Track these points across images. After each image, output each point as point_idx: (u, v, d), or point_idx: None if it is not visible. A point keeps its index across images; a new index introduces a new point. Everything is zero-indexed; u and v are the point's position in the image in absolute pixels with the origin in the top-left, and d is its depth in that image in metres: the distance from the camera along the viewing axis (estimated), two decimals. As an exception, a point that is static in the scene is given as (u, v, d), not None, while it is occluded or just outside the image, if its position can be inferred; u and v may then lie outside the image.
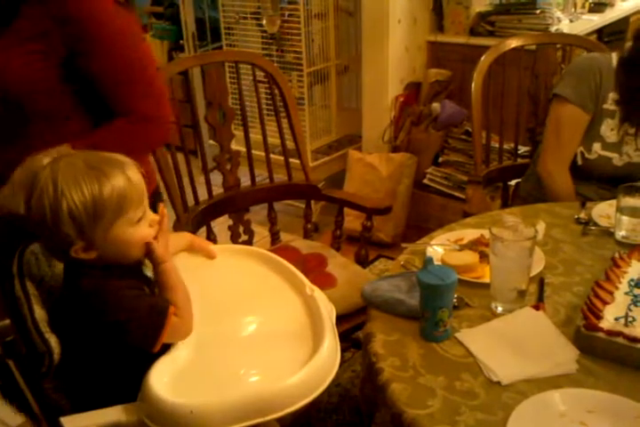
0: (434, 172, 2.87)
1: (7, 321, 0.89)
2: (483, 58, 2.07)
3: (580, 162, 1.84)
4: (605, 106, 1.80)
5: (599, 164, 1.83)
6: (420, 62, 3.07)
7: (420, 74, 3.03)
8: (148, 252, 1.11)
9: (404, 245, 1.51)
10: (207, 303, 1.17)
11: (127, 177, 1.05)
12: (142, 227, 1.09)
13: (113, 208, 1.03)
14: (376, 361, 1.16)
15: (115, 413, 1.04)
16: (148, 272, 1.17)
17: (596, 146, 1.82)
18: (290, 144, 2.02)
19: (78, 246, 1.03)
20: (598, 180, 1.86)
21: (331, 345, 1.09)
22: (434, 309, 1.16)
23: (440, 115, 2.81)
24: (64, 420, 1.02)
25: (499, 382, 1.08)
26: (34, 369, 1.03)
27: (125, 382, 1.06)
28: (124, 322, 1.04)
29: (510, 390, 1.07)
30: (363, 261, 1.95)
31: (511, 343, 1.16)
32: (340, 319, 1.62)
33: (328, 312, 1.19)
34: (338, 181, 3.04)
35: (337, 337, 1.15)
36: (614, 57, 1.79)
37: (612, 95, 1.78)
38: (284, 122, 1.99)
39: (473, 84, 2.03)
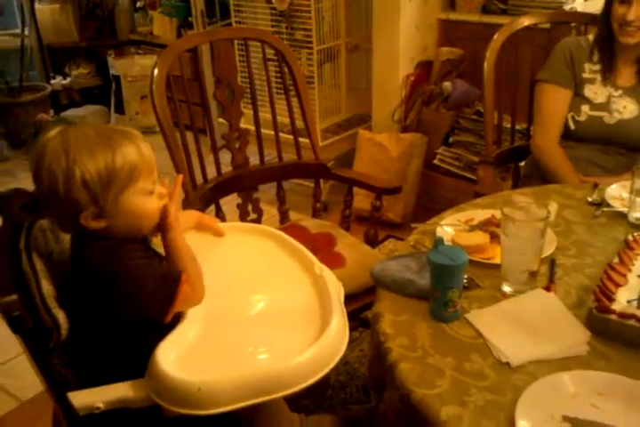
0: (444, 152, 2.84)
1: (14, 296, 0.88)
2: (495, 36, 2.04)
3: (572, 126, 1.97)
4: (584, 75, 1.97)
5: (591, 124, 1.94)
6: (430, 41, 3.02)
7: (431, 52, 2.98)
8: (162, 216, 1.12)
9: (413, 225, 1.50)
10: (215, 281, 1.16)
11: (138, 148, 1.07)
12: (152, 199, 1.11)
13: (124, 176, 1.05)
14: (384, 341, 1.15)
15: (122, 389, 1.04)
16: (157, 249, 1.17)
17: (585, 108, 1.95)
18: (299, 123, 2.00)
19: (89, 213, 1.04)
20: (596, 142, 1.96)
21: (339, 324, 1.09)
22: (444, 289, 1.15)
23: (451, 94, 2.78)
24: (72, 395, 1.03)
25: (508, 364, 1.08)
26: (42, 344, 1.03)
27: (133, 359, 1.06)
28: (136, 292, 1.04)
29: (520, 372, 1.06)
30: (372, 241, 1.94)
31: (521, 325, 1.16)
32: (349, 299, 1.61)
33: (336, 291, 1.18)
34: (347, 160, 3.02)
35: (345, 316, 1.14)
36: (589, 37, 2.00)
37: (588, 65, 1.97)
38: (294, 100, 1.96)
39: (485, 63, 2.00)
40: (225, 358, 1.05)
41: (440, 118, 2.81)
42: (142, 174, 1.07)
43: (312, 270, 1.22)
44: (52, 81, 4.51)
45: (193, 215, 1.31)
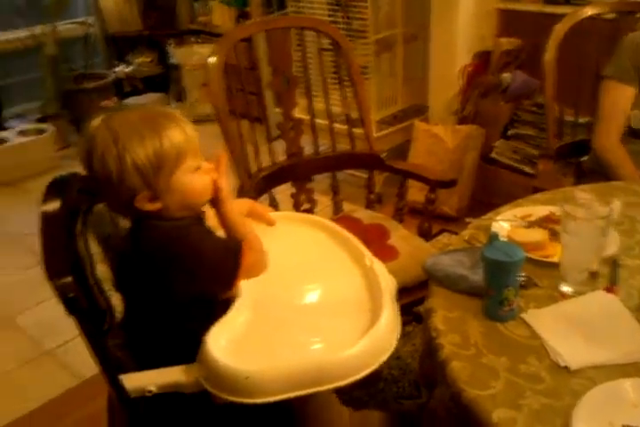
0: (502, 145, 2.77)
1: (69, 278, 0.89)
2: (557, 26, 1.97)
3: (636, 125, 1.91)
4: None
5: None
6: (489, 31, 2.94)
7: (490, 43, 2.90)
8: (214, 190, 1.15)
9: (468, 219, 1.46)
10: (267, 269, 1.16)
11: (183, 130, 1.09)
12: (200, 175, 1.13)
13: (173, 158, 1.08)
14: (436, 337, 1.12)
15: (174, 373, 1.05)
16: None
17: None
18: (354, 114, 1.97)
19: (143, 196, 1.07)
20: None
21: (390, 317, 1.07)
22: (499, 287, 1.11)
23: (510, 85, 2.70)
24: (124, 377, 1.04)
25: (566, 368, 1.03)
26: (96, 326, 1.04)
27: (187, 342, 1.06)
28: (201, 265, 1.08)
29: (579, 377, 1.02)
30: (425, 235, 1.91)
31: (581, 327, 1.11)
32: (402, 293, 1.58)
33: (387, 284, 1.16)
34: (402, 152, 2.97)
35: (397, 310, 1.12)
36: None
37: None
38: (349, 91, 1.94)
39: (546, 54, 1.93)
40: (275, 347, 1.05)
41: (498, 110, 2.74)
42: (189, 154, 1.10)
43: (362, 262, 1.20)
44: (116, 69, 4.60)
45: (245, 204, 1.31)
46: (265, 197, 1.90)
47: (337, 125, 2.01)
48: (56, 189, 1.05)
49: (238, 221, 1.17)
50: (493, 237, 1.13)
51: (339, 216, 2.00)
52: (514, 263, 1.09)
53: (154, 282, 1.09)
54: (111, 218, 1.17)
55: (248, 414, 1.08)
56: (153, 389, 1.03)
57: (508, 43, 2.77)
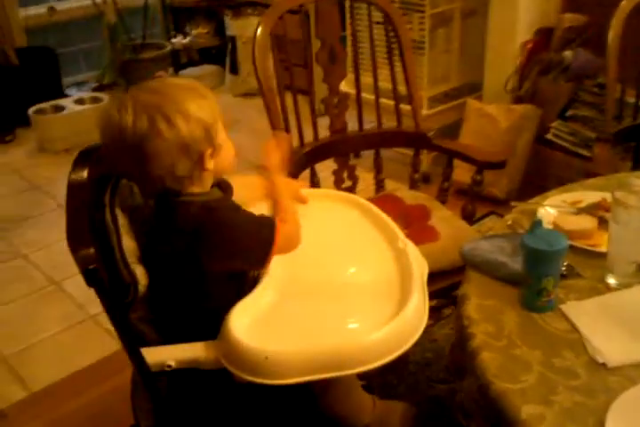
0: (559, 126, 2.65)
1: (90, 250, 0.88)
2: (623, 3, 1.86)
3: None
4: None
5: None
6: (553, 6, 2.79)
7: (553, 19, 2.76)
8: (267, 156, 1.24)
9: (513, 203, 1.40)
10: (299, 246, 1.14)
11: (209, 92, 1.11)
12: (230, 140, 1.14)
13: (217, 112, 1.08)
14: (468, 325, 1.08)
15: (195, 349, 1.04)
16: None
17: None
18: (403, 90, 1.91)
19: (209, 153, 1.07)
20: None
21: (418, 303, 1.03)
22: (538, 276, 1.06)
23: (572, 64, 2.57)
24: (145, 351, 1.03)
25: (604, 364, 0.98)
26: (118, 299, 1.03)
27: (210, 318, 1.05)
28: (237, 241, 1.07)
29: (617, 374, 0.96)
30: (469, 217, 1.84)
31: (623, 322, 1.05)
32: (440, 275, 1.55)
33: (419, 268, 1.11)
34: (453, 131, 2.88)
35: (426, 295, 1.08)
36: None
37: None
38: (399, 66, 1.87)
39: (610, 31, 1.82)
40: (298, 328, 1.02)
41: (557, 90, 2.61)
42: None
43: (395, 244, 1.16)
44: (173, 40, 4.61)
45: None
46: (307, 172, 1.87)
47: (385, 101, 1.95)
48: (85, 158, 1.04)
49: (283, 193, 1.21)
50: (536, 224, 1.07)
51: (380, 195, 1.96)
52: (555, 253, 1.03)
53: (185, 258, 1.07)
54: (131, 192, 1.15)
55: (269, 397, 1.07)
56: (172, 364, 1.02)
57: (572, 19, 2.63)
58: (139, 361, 1.00)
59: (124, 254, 1.03)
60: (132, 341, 1.00)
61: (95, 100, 3.83)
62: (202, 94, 1.07)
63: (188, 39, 4.65)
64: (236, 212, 1.12)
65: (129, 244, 1.06)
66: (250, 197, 1.21)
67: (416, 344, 1.93)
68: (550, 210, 1.33)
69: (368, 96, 1.92)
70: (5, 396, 1.97)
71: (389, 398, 1.82)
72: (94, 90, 4.19)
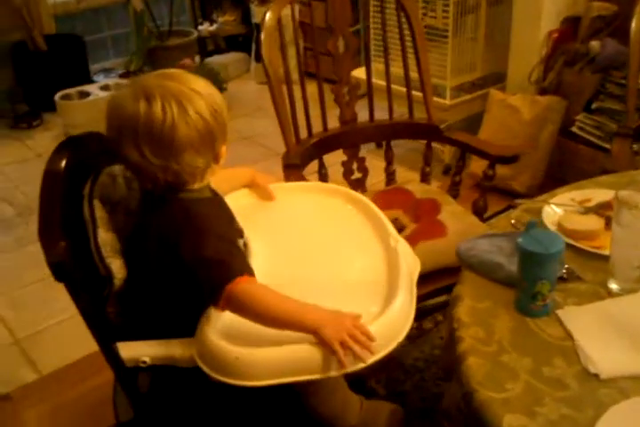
0: (584, 119, 2.54)
1: (61, 243, 0.86)
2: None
3: None
4: None
5: None
6: (582, -6, 2.68)
7: (581, 7, 2.65)
8: None
9: (518, 201, 1.34)
10: (280, 243, 1.09)
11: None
12: None
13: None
14: (457, 328, 1.04)
15: (169, 346, 1.02)
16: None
17: None
18: (417, 80, 1.84)
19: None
20: None
21: (403, 304, 0.98)
22: (532, 279, 1.00)
23: (599, 55, 2.46)
24: (121, 345, 1.01)
25: (597, 375, 0.92)
26: (95, 292, 1.01)
27: (190, 316, 1.02)
28: (222, 244, 0.99)
29: (609, 386, 0.91)
30: (480, 212, 1.78)
31: (622, 331, 0.99)
32: (449, 272, 1.49)
33: (409, 267, 1.06)
34: (476, 122, 2.80)
35: (414, 295, 1.04)
36: None
37: None
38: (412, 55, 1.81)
39: (634, 20, 1.72)
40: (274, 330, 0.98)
41: (583, 81, 2.51)
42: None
43: (387, 242, 1.11)
44: (200, 27, 4.60)
45: (246, 173, 1.24)
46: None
47: (395, 87, 1.88)
48: (67, 147, 1.02)
49: None
50: (531, 225, 1.01)
51: (390, 187, 1.90)
52: (549, 256, 0.97)
53: (166, 252, 1.03)
54: (126, 182, 1.12)
55: (251, 397, 1.03)
56: (147, 360, 0.99)
57: (600, 8, 2.52)
58: (112, 356, 0.98)
59: (99, 248, 1.01)
60: (105, 335, 0.97)
61: (120, 86, 3.83)
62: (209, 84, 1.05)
63: (214, 26, 4.63)
64: (218, 227, 1.02)
65: (106, 237, 1.03)
66: (232, 186, 1.17)
67: (424, 341, 1.88)
68: (556, 208, 1.27)
69: (380, 82, 1.86)
70: (15, 378, 1.98)
71: (395, 394, 1.79)
72: (121, 76, 4.20)
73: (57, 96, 3.62)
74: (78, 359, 2.02)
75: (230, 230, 1.04)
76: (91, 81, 4.01)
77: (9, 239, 2.67)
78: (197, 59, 4.43)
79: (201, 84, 1.01)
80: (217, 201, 1.10)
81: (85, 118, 3.60)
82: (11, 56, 3.80)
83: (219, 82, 3.87)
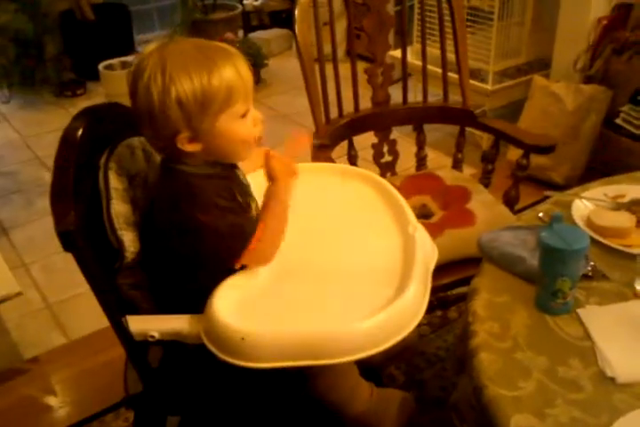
0: (630, 111, 2.44)
1: (71, 213, 0.85)
2: None
3: None
4: None
5: None
6: (638, -21, 2.56)
7: (636, -7, 2.53)
8: (265, 164, 1.07)
9: (547, 193, 1.28)
10: (297, 226, 1.07)
11: (237, 69, 0.98)
12: (247, 123, 1.02)
13: (221, 99, 0.97)
14: (472, 322, 1.00)
15: (178, 321, 1.00)
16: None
17: None
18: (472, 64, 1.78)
19: (184, 136, 0.98)
20: None
21: (415, 294, 0.95)
22: (553, 276, 0.96)
23: (651, 44, 2.36)
24: (130, 318, 1.01)
25: (613, 379, 0.88)
26: (106, 264, 1.01)
27: (202, 291, 1.00)
28: (205, 234, 0.97)
29: (625, 392, 0.87)
30: (512, 203, 1.73)
31: (645, 334, 0.94)
32: (475, 262, 1.45)
33: (425, 256, 1.03)
34: (518, 109, 2.72)
35: (428, 285, 1.00)
36: None
37: None
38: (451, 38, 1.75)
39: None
40: (284, 311, 0.96)
41: (632, 71, 2.40)
42: (240, 98, 0.99)
43: (405, 228, 1.08)
44: (245, 1, 4.57)
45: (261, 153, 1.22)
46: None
47: (435, 70, 1.83)
48: (85, 116, 1.00)
49: (272, 208, 1.04)
50: (555, 219, 0.96)
51: (421, 173, 1.86)
52: (572, 253, 0.93)
53: (170, 229, 1.02)
54: (145, 155, 1.11)
55: (258, 378, 1.02)
56: (155, 334, 0.99)
57: (655, -5, 2.40)
58: (120, 329, 0.97)
59: (112, 219, 1.00)
60: (113, 307, 0.97)
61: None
62: (210, 70, 0.96)
63: (259, 1, 4.59)
64: (219, 202, 1.01)
65: (120, 208, 1.02)
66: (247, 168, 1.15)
67: (448, 331, 1.85)
68: (587, 203, 1.22)
69: (415, 62, 1.81)
70: (44, 342, 2.03)
71: (414, 382, 1.77)
72: (163, 48, 4.20)
73: (101, 66, 3.64)
74: (106, 327, 2.04)
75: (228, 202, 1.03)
76: (135, 51, 4.03)
77: (47, 204, 2.72)
78: (240, 33, 4.40)
79: (196, 59, 0.97)
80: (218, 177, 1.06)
81: (126, 89, 3.63)
82: (59, 25, 3.83)
83: (260, 57, 3.86)
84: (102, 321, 1.00)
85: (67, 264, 2.41)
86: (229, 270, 1.00)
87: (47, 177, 2.96)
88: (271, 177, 1.07)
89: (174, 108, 0.95)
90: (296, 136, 1.14)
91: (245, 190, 1.09)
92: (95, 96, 3.78)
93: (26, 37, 3.52)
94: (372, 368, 1.29)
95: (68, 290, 2.21)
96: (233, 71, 0.97)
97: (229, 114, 0.99)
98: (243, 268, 1.01)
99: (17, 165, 3.10)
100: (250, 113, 1.02)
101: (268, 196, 1.06)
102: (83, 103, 3.70)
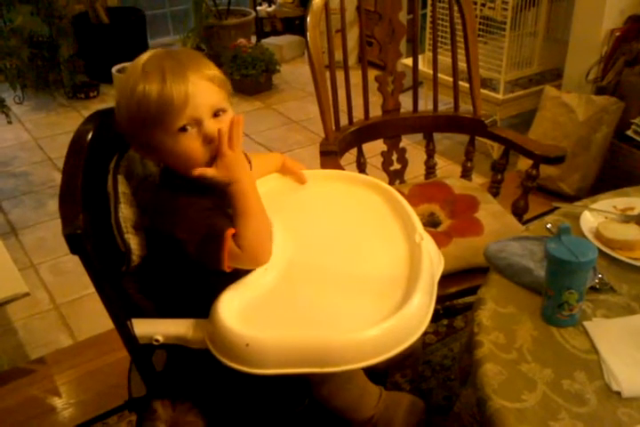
0: (642, 123, 2.44)
1: (79, 216, 0.86)
2: None
3: None
4: None
5: None
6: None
7: (647, 5, 2.53)
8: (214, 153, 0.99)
9: (555, 204, 1.28)
10: (302, 230, 1.07)
11: (184, 83, 0.95)
12: (186, 139, 0.97)
13: (152, 112, 0.95)
14: (477, 332, 1.00)
15: (184, 326, 1.01)
16: None
17: None
18: (484, 73, 1.78)
19: (138, 148, 1.01)
20: None
21: (420, 304, 0.94)
22: (560, 288, 0.96)
23: (664, 56, 2.35)
24: (135, 321, 1.01)
25: (618, 393, 0.88)
26: (114, 267, 1.01)
27: (207, 295, 1.00)
28: (183, 241, 0.96)
29: (630, 406, 0.86)
30: (520, 213, 1.72)
31: (651, 349, 0.94)
32: (482, 272, 1.45)
33: (431, 265, 1.03)
34: (529, 119, 2.72)
35: (434, 295, 1.00)
36: None
37: None
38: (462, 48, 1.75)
39: None
40: (289, 317, 0.96)
41: (644, 83, 2.40)
42: (172, 113, 0.95)
43: (412, 237, 1.07)
44: (259, 8, 4.59)
45: (277, 158, 1.22)
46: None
47: (446, 78, 1.83)
48: (95, 120, 1.01)
49: (240, 208, 0.98)
50: (563, 230, 0.96)
51: (429, 181, 1.86)
52: (579, 265, 0.92)
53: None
54: (141, 160, 1.12)
55: (264, 385, 1.02)
56: (160, 338, 0.99)
57: (669, 7, 2.40)
58: (125, 332, 0.98)
59: (119, 223, 1.00)
60: (118, 310, 0.97)
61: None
62: (150, 85, 0.95)
63: (272, 8, 4.61)
64: (192, 213, 0.98)
65: (128, 212, 1.03)
66: (263, 171, 1.15)
67: (454, 340, 1.85)
68: (596, 215, 1.21)
69: (425, 70, 1.81)
70: (51, 343, 2.04)
71: (419, 390, 1.76)
72: (177, 53, 4.22)
73: (114, 69, 3.67)
74: (113, 329, 2.05)
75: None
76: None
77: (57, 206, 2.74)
78: (253, 39, 4.42)
79: (147, 71, 0.97)
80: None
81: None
82: (73, 27, 3.86)
83: (272, 63, 3.88)
84: (109, 323, 1.00)
85: (75, 266, 2.43)
86: (224, 273, 0.99)
87: (59, 179, 2.93)
88: (219, 184, 1.00)
89: (124, 122, 0.99)
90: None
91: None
92: (108, 99, 3.82)
93: (40, 39, 3.55)
94: (376, 373, 1.27)
95: (76, 291, 2.23)
96: (177, 86, 0.94)
97: (163, 129, 0.96)
98: (238, 271, 1.00)
99: (29, 166, 3.12)
100: (196, 129, 0.97)
101: (231, 198, 0.99)
102: (95, 106, 3.72)
